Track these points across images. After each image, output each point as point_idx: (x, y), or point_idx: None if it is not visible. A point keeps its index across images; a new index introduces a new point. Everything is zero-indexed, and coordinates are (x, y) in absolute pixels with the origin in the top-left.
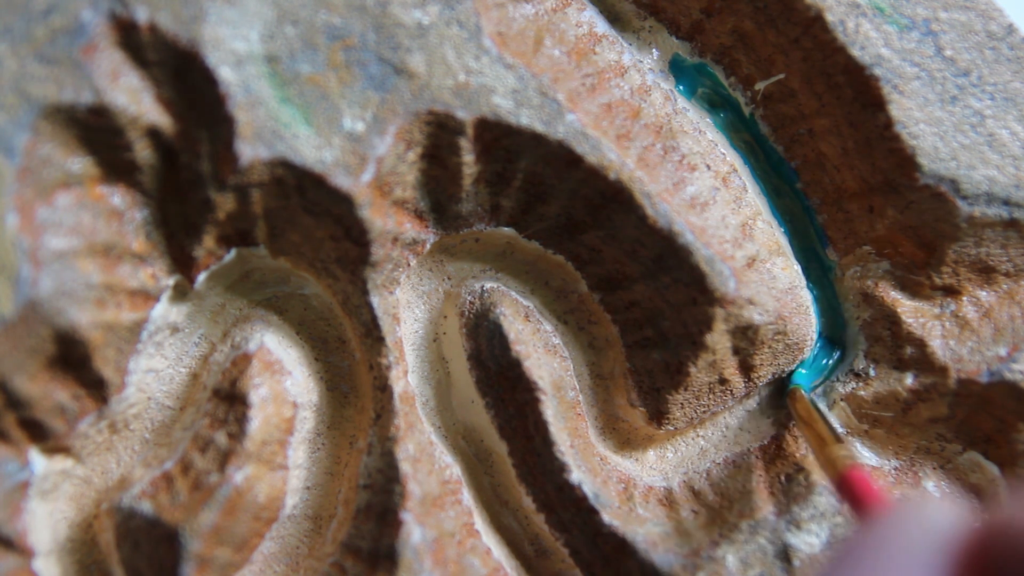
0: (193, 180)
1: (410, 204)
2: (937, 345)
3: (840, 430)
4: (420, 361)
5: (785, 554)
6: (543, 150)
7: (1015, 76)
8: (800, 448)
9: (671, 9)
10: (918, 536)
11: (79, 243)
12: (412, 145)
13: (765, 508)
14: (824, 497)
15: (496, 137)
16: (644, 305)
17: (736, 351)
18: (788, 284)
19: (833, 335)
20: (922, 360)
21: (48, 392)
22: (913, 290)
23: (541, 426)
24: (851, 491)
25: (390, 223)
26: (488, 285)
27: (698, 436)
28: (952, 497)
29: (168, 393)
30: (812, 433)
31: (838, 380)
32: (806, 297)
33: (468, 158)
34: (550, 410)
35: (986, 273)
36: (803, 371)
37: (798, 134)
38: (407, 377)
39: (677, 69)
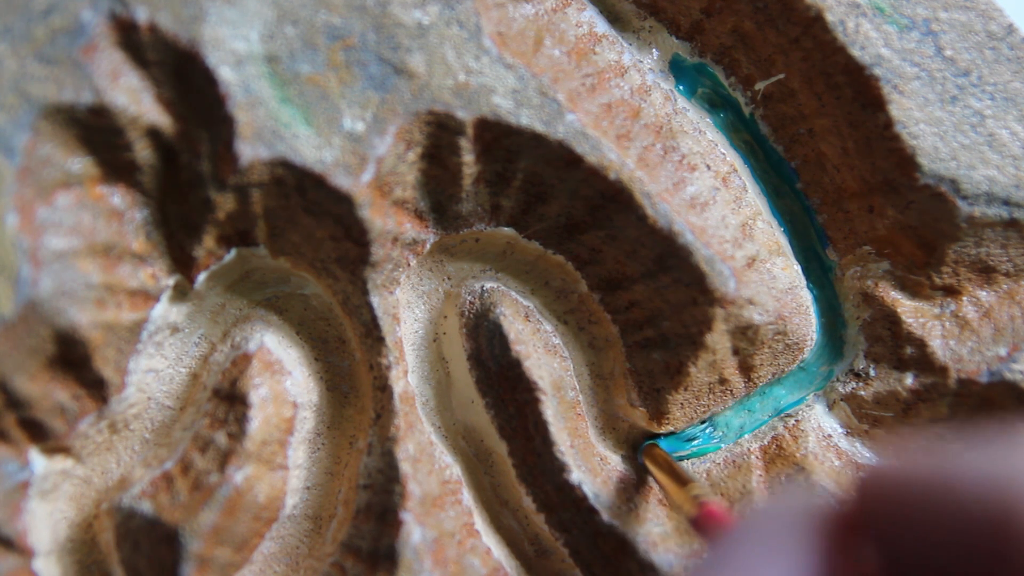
0: (193, 180)
1: (410, 204)
2: (937, 345)
3: (842, 428)
4: (420, 361)
5: None
6: (543, 150)
7: (1015, 76)
8: (800, 448)
9: (671, 9)
10: (776, 526)
11: (79, 243)
12: (412, 145)
13: None
14: (824, 498)
15: (496, 137)
16: (644, 305)
17: (736, 351)
18: (788, 284)
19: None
20: (922, 360)
21: (48, 392)
22: (913, 290)
23: (541, 426)
24: (705, 525)
25: (390, 223)
26: (488, 285)
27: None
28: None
29: (168, 393)
30: (668, 480)
31: (838, 380)
32: (806, 297)
33: (468, 158)
34: (550, 410)
35: (986, 273)
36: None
37: (798, 134)
38: (407, 377)
39: (677, 69)
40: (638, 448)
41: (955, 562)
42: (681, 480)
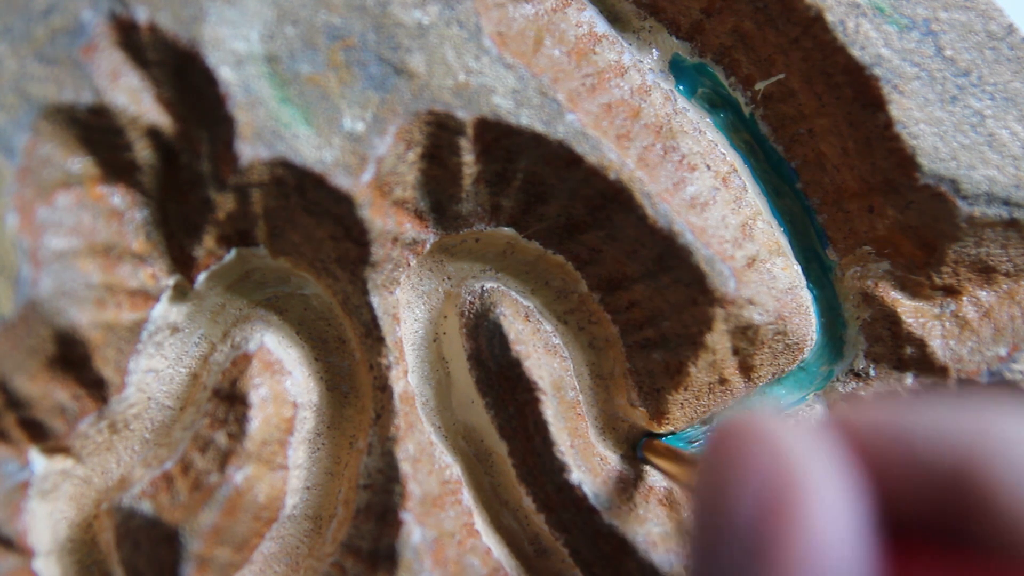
0: (193, 180)
1: (410, 204)
2: (937, 345)
3: None
4: (420, 361)
5: None
6: (543, 150)
7: (1015, 76)
8: None
9: (671, 9)
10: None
11: (79, 243)
12: (412, 145)
13: None
14: None
15: (496, 137)
16: (644, 305)
17: (736, 351)
18: (788, 284)
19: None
20: (922, 360)
21: (48, 392)
22: (913, 290)
23: (541, 426)
24: None
25: (390, 223)
26: (488, 285)
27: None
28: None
29: (168, 393)
30: (675, 466)
31: (838, 380)
32: (806, 297)
33: (468, 158)
34: (550, 410)
35: (986, 273)
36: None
37: (798, 134)
38: (407, 377)
39: (677, 69)
40: (636, 446)
41: (919, 514)
42: (690, 463)
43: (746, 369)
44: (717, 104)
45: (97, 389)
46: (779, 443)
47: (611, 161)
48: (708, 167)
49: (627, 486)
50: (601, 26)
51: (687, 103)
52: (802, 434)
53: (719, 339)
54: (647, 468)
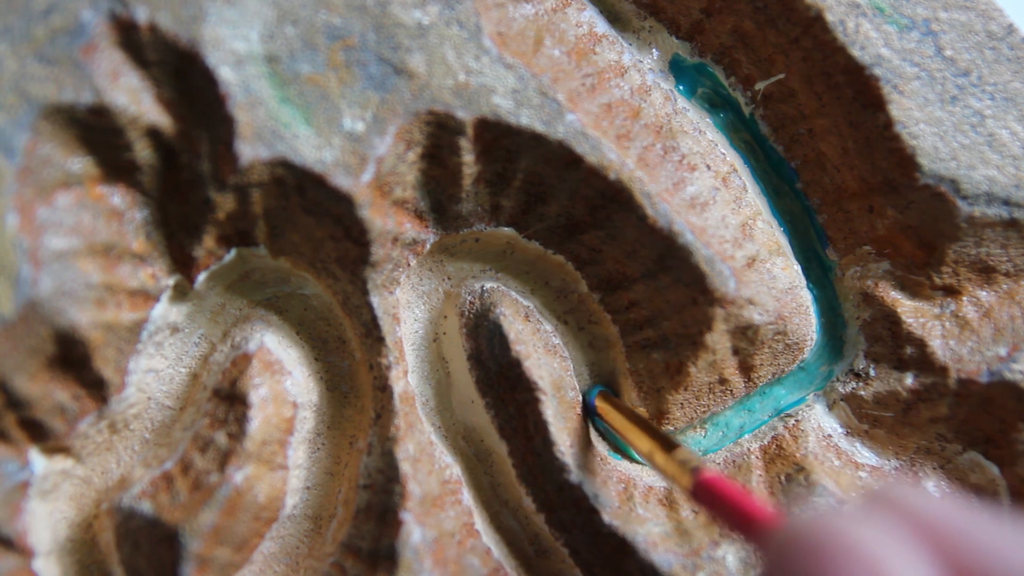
0: (193, 180)
1: (410, 204)
2: (937, 345)
3: (842, 428)
4: (420, 361)
5: None
6: (543, 150)
7: (1015, 76)
8: (800, 448)
9: (671, 9)
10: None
11: (79, 243)
12: (412, 145)
13: None
14: (824, 498)
15: (496, 137)
16: (644, 305)
17: (736, 351)
18: (788, 284)
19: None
20: (922, 360)
21: (48, 392)
22: (913, 290)
23: (541, 426)
24: (716, 500)
25: (390, 223)
26: (488, 285)
27: (698, 435)
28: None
29: (168, 393)
30: (636, 432)
31: (838, 380)
32: (806, 297)
33: (468, 158)
34: (550, 410)
35: (986, 273)
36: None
37: (798, 134)
38: (407, 377)
39: (677, 69)
40: (589, 399)
41: None
42: (663, 442)
43: (746, 369)
44: (717, 104)
45: (97, 389)
46: (874, 560)
47: (611, 161)
48: (708, 167)
49: (627, 486)
50: (601, 26)
51: (687, 103)
52: (893, 546)
53: (719, 339)
54: (645, 466)
